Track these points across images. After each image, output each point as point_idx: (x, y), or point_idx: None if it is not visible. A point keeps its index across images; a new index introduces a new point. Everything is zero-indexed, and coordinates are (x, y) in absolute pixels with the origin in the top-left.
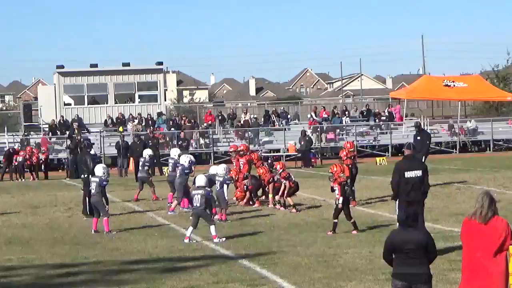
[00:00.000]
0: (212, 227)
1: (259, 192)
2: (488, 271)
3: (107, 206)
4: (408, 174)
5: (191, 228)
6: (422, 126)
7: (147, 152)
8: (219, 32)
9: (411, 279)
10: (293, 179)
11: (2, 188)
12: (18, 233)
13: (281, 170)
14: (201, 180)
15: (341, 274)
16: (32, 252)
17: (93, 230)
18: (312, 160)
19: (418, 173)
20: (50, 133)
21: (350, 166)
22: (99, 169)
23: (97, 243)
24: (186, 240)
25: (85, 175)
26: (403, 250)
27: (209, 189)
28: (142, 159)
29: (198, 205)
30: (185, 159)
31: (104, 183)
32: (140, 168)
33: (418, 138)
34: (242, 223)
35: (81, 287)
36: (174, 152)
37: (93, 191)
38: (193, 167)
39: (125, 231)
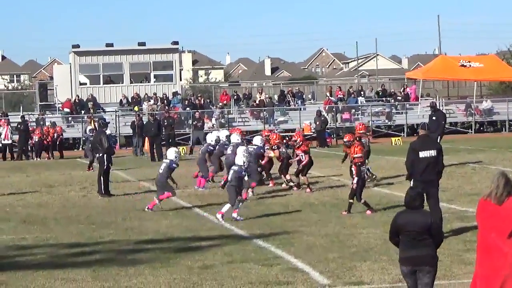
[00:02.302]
0: (227, 206)
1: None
2: (503, 252)
3: (175, 184)
4: (423, 154)
5: (228, 205)
6: (438, 106)
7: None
8: (235, 12)
9: (415, 261)
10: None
11: (18, 167)
12: (33, 212)
13: (300, 142)
14: (239, 158)
15: (355, 254)
16: (47, 231)
17: (147, 208)
18: (327, 140)
19: (433, 153)
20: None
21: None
22: (172, 153)
23: (112, 222)
24: (219, 215)
25: (100, 154)
26: (406, 232)
27: (243, 168)
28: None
29: (230, 179)
30: (213, 137)
31: (174, 165)
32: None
33: (434, 118)
34: (256, 203)
35: (96, 266)
36: (211, 137)
37: (160, 171)
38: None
39: (139, 210)
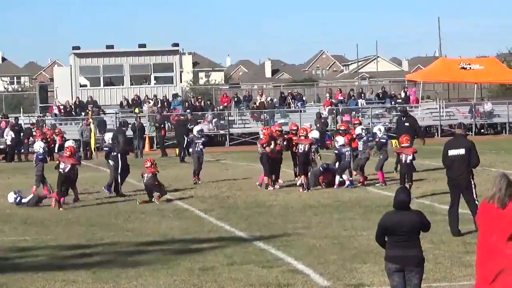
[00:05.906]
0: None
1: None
2: (504, 254)
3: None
4: (452, 152)
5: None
6: (438, 109)
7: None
8: (235, 14)
9: (404, 261)
10: None
11: (18, 169)
12: (34, 213)
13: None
14: None
15: (355, 256)
16: (47, 233)
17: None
18: (327, 142)
19: (461, 151)
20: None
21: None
22: None
23: (112, 224)
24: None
25: (115, 153)
26: (396, 232)
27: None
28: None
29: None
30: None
31: None
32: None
33: (406, 124)
34: (257, 205)
35: (96, 267)
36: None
37: None
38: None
39: (140, 212)
